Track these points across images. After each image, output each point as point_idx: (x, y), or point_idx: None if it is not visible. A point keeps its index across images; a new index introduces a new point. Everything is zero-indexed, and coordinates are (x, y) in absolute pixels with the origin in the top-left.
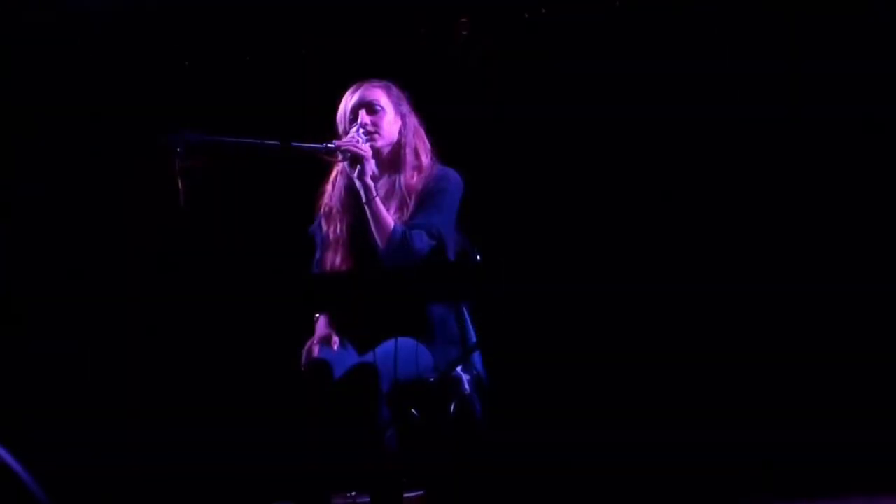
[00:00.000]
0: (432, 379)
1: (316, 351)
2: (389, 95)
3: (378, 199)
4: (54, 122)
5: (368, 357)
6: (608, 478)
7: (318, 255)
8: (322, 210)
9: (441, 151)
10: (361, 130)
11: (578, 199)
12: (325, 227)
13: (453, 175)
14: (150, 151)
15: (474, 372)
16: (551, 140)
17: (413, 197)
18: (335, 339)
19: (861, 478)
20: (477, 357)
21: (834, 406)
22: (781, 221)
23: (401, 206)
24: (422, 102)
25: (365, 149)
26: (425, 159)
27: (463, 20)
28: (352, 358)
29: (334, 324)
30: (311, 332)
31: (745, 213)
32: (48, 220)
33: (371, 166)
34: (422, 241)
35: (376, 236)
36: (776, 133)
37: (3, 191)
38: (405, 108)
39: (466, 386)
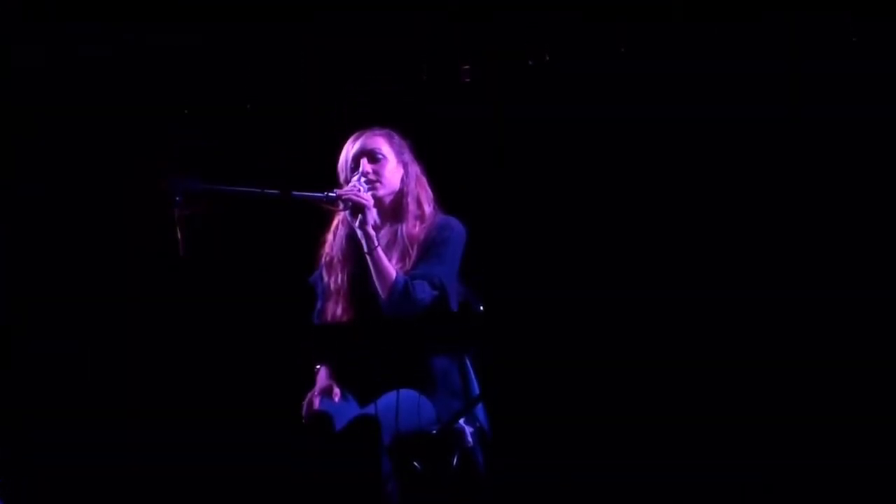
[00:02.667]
0: (434, 431)
1: (317, 403)
2: (391, 144)
3: (380, 249)
4: (54, 122)
5: (370, 409)
6: None
7: (318, 306)
8: (323, 260)
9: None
10: (363, 179)
11: (577, 200)
12: (325, 277)
13: (456, 224)
14: (149, 153)
15: (477, 424)
16: (551, 140)
17: (415, 246)
18: (336, 390)
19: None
20: (480, 409)
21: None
22: (781, 222)
23: (403, 256)
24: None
25: (366, 198)
26: (428, 208)
27: (465, 67)
28: (353, 409)
29: (335, 375)
30: (313, 383)
31: (745, 214)
32: (48, 220)
33: (373, 215)
34: (424, 292)
35: (378, 286)
36: (776, 133)
37: (3, 191)
38: (407, 156)
39: (469, 438)
